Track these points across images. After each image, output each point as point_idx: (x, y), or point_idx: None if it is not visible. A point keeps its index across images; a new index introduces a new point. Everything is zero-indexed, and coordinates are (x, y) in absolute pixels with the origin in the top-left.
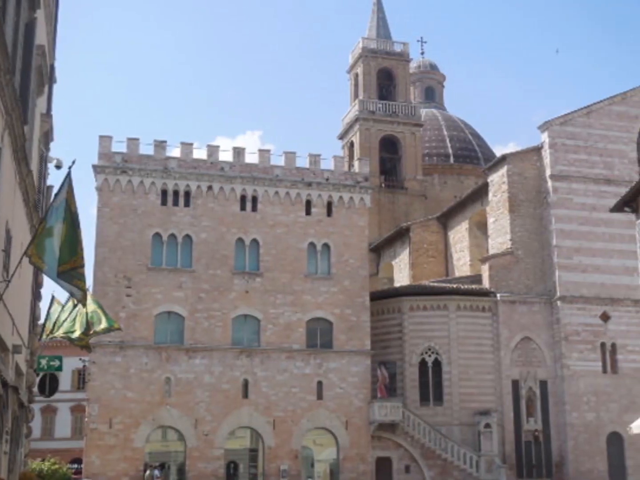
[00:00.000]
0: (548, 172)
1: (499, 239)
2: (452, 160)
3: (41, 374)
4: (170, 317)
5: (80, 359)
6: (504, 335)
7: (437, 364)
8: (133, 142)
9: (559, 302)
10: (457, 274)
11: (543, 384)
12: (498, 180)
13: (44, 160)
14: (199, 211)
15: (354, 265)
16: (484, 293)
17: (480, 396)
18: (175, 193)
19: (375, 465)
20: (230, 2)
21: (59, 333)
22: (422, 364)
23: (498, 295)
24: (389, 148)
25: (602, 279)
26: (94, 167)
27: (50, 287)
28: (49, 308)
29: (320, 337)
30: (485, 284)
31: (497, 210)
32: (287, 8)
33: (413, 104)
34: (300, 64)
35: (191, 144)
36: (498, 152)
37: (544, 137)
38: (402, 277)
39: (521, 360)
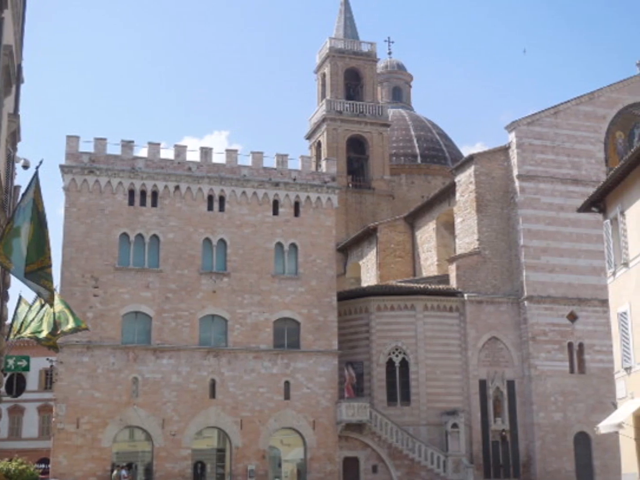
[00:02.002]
0: (515, 172)
1: (466, 239)
2: (419, 160)
3: (8, 374)
4: (137, 317)
5: (47, 359)
6: (471, 335)
7: (404, 364)
8: (100, 142)
9: (526, 302)
10: (425, 274)
11: (510, 384)
12: (465, 180)
13: (11, 160)
14: (166, 211)
15: (321, 265)
16: (451, 293)
17: (448, 396)
18: (143, 193)
19: (342, 465)
20: (196, 1)
21: (26, 333)
22: (390, 364)
23: (465, 295)
24: (356, 148)
25: (569, 279)
26: (61, 167)
27: (18, 287)
28: (16, 308)
29: (287, 337)
30: (453, 284)
31: (464, 210)
32: (254, 8)
33: (380, 104)
34: (267, 63)
35: (158, 144)
36: (465, 152)
37: (511, 137)
38: (369, 277)
39: (488, 360)
